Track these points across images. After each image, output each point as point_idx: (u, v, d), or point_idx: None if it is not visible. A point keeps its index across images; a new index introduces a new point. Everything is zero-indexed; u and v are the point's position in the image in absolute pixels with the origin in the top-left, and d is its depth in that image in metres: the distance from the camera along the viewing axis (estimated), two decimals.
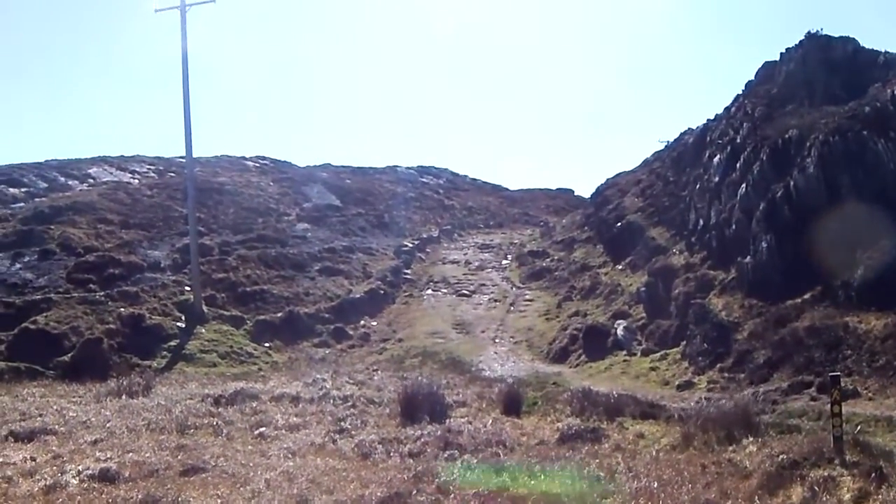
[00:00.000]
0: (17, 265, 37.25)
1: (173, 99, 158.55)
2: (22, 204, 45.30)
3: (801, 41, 40.01)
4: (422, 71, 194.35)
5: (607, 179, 53.38)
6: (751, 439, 15.35)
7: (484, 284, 44.26)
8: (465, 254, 51.62)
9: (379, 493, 13.22)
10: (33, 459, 16.53)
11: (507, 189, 77.66)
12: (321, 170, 67.12)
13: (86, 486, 14.32)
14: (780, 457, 13.42)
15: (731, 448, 15.21)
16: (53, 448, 17.66)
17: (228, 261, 41.36)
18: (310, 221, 50.63)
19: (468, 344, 34.28)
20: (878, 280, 25.43)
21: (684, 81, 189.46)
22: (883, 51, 38.07)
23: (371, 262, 45.94)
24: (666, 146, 49.38)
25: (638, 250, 39.25)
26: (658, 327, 31.22)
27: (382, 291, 41.96)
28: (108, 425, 19.99)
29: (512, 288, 43.40)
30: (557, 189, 77.32)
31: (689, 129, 47.07)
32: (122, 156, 60.83)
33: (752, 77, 42.98)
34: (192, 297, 36.24)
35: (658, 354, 29.56)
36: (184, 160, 44.69)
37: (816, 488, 12.10)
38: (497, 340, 34.87)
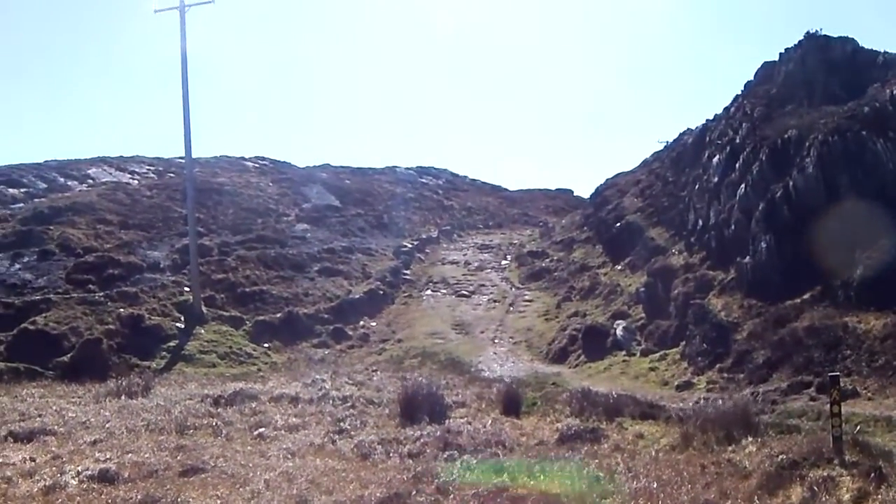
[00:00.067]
0: (17, 266, 37.24)
1: (173, 99, 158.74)
2: (21, 204, 45.28)
3: (800, 41, 40.06)
4: (421, 71, 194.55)
5: (606, 180, 53.44)
6: (750, 439, 15.34)
7: (483, 285, 44.26)
8: (464, 254, 51.62)
9: (378, 494, 13.22)
10: (32, 460, 16.52)
11: (506, 189, 77.68)
12: (320, 170, 67.10)
13: (85, 486, 14.31)
14: (780, 457, 13.41)
15: (730, 448, 15.20)
16: (53, 448, 17.65)
17: (228, 261, 41.36)
18: (309, 222, 50.62)
19: (467, 344, 34.28)
20: (877, 280, 25.46)
21: (683, 82, 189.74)
22: (882, 51, 38.19)
23: (370, 262, 45.93)
24: (665, 146, 49.43)
25: (637, 251, 39.26)
26: (657, 327, 31.23)
27: (382, 292, 41.96)
28: (107, 426, 19.98)
29: (511, 288, 43.41)
30: (557, 189, 77.38)
31: (688, 129, 47.16)
32: (121, 156, 60.83)
33: (752, 77, 43.04)
34: (191, 297, 36.23)
35: (657, 355, 29.58)
36: (183, 161, 44.69)
37: (816, 488, 12.10)
38: (496, 341, 34.87)
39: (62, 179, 51.40)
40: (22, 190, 47.90)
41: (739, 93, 42.66)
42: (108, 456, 16.54)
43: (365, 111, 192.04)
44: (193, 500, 13.29)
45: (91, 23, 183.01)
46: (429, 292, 43.21)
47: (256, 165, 64.41)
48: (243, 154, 67.64)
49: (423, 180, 71.80)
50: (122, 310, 33.90)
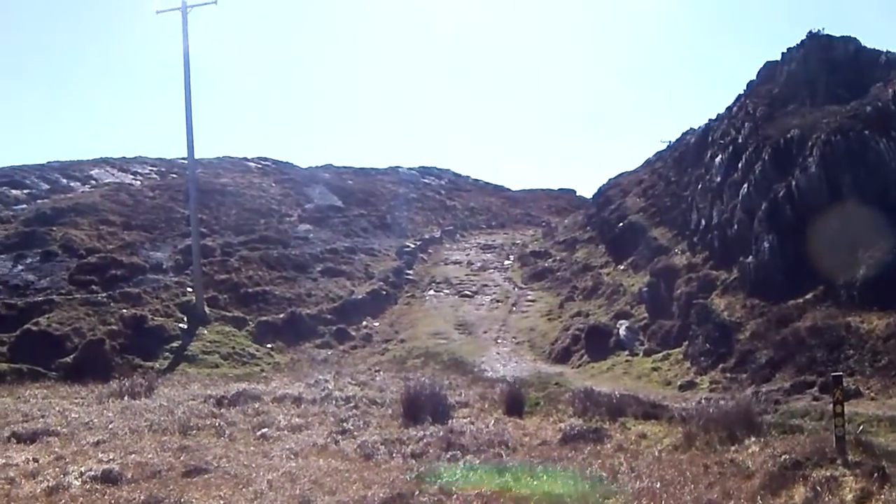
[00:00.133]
0: (20, 267, 37.29)
1: (175, 100, 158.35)
2: (24, 205, 45.33)
3: (802, 41, 40.01)
4: (423, 72, 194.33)
5: (609, 180, 53.36)
6: (753, 439, 15.35)
7: (486, 285, 44.25)
8: (467, 254, 51.58)
9: (381, 494, 13.24)
10: (36, 461, 16.55)
11: (509, 189, 77.55)
12: (323, 171, 67.09)
13: (88, 487, 14.34)
14: (783, 457, 13.43)
15: (733, 448, 15.21)
16: (56, 449, 17.70)
17: (230, 262, 41.38)
18: (312, 222, 50.63)
19: (470, 344, 34.28)
20: (879, 279, 25.44)
21: (686, 81, 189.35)
22: (884, 50, 38.14)
23: (373, 262, 45.92)
24: (668, 146, 49.31)
25: (640, 250, 39.24)
26: (660, 327, 31.22)
27: (384, 292, 41.95)
28: (110, 426, 20.02)
29: (514, 288, 43.39)
30: (559, 189, 77.21)
31: (690, 129, 47.04)
32: (123, 157, 60.83)
33: (754, 77, 42.99)
34: (194, 298, 36.25)
35: (660, 355, 29.56)
36: (186, 161, 44.69)
37: (819, 488, 12.11)
38: (499, 341, 34.87)
39: (65, 180, 51.44)
40: (24, 191, 47.94)
41: (742, 92, 42.61)
42: (111, 457, 16.57)
43: (367, 111, 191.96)
44: (196, 501, 13.32)
45: (93, 23, 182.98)
46: (431, 292, 43.21)
47: (259, 166, 64.42)
48: (246, 155, 67.66)
49: (426, 180, 71.75)
50: (124, 310, 33.93)
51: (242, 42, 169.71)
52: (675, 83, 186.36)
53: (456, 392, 24.15)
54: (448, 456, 16.54)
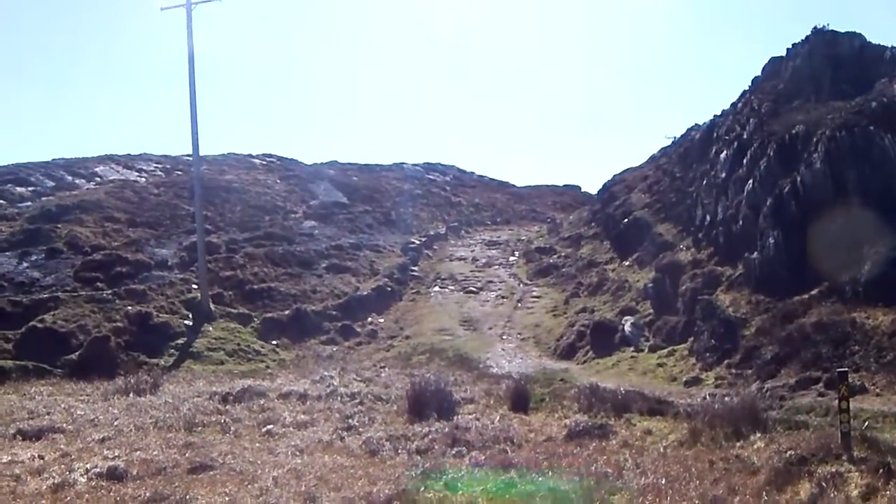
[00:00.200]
0: (25, 264, 37.35)
1: (180, 97, 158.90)
2: (29, 203, 45.40)
3: (807, 37, 39.88)
4: (427, 68, 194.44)
5: (614, 176, 53.22)
6: (758, 435, 15.34)
7: (491, 281, 44.23)
8: (472, 250, 51.57)
9: (387, 491, 13.25)
10: (41, 458, 16.61)
11: (513, 186, 77.45)
12: (328, 167, 67.10)
13: (94, 484, 14.38)
14: (788, 453, 13.43)
15: (738, 444, 15.20)
16: (61, 446, 17.75)
17: (235, 258, 41.43)
18: (317, 219, 50.66)
19: (475, 341, 34.27)
20: (884, 276, 25.37)
21: (690, 78, 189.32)
22: (889, 46, 37.95)
23: (378, 259, 45.95)
24: (672, 142, 49.21)
25: (645, 246, 39.17)
26: (665, 323, 31.18)
27: (390, 288, 41.96)
28: (115, 423, 20.08)
29: (519, 284, 43.37)
30: (564, 185, 77.08)
31: (695, 125, 46.92)
32: (128, 154, 60.96)
33: (759, 73, 42.90)
34: (199, 294, 36.30)
35: (665, 351, 29.52)
36: (190, 158, 44.69)
37: (824, 484, 12.10)
38: (504, 337, 34.86)
39: (70, 178, 51.51)
40: (29, 188, 48.03)
41: (746, 88, 42.52)
42: (116, 453, 16.62)
43: (371, 109, 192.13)
44: (202, 498, 13.34)
45: (97, 21, 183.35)
46: (437, 289, 43.21)
47: (264, 163, 64.46)
48: (251, 151, 67.75)
49: (431, 177, 71.73)
50: (130, 307, 33.98)
51: (247, 39, 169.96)
52: (680, 80, 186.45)
53: (461, 388, 24.16)
54: (453, 452, 16.57)
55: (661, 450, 15.98)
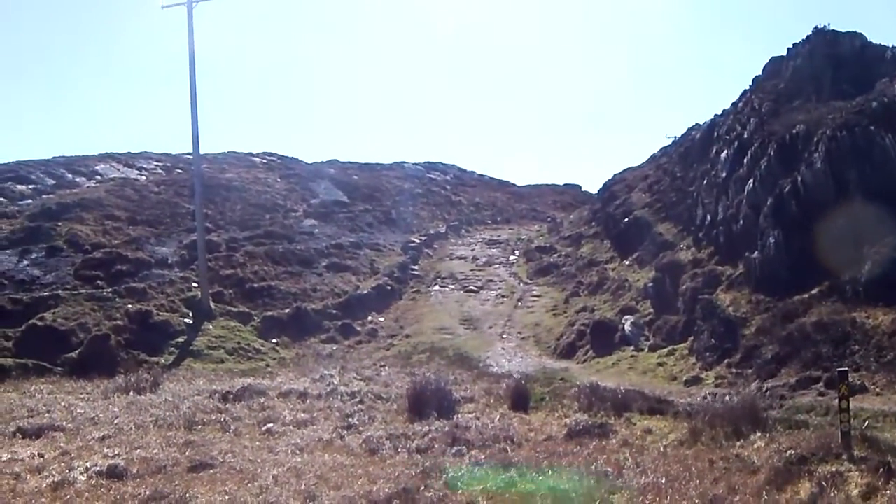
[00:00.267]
0: (25, 262, 37.36)
1: (180, 95, 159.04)
2: (29, 201, 45.40)
3: (808, 36, 39.87)
4: (428, 68, 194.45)
5: (614, 175, 53.19)
6: (758, 435, 15.34)
7: (491, 280, 44.22)
8: (472, 249, 51.56)
9: (387, 489, 13.26)
10: (41, 456, 16.62)
11: (514, 185, 77.36)
12: (328, 166, 67.05)
13: (93, 482, 14.39)
14: (788, 452, 13.43)
15: (738, 443, 15.20)
16: (61, 444, 17.75)
17: (236, 257, 41.43)
18: (317, 217, 50.65)
19: (476, 340, 34.27)
20: (885, 275, 25.36)
21: (690, 77, 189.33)
22: (890, 46, 37.95)
23: (378, 258, 45.94)
24: (673, 142, 49.20)
25: (645, 246, 39.16)
26: (665, 323, 31.17)
27: (390, 287, 41.95)
28: (115, 422, 20.08)
29: (519, 283, 43.36)
30: (565, 185, 77.02)
31: (696, 124, 46.90)
32: (129, 152, 60.94)
33: (759, 72, 42.89)
34: (199, 293, 36.31)
35: (665, 350, 29.51)
36: (191, 156, 44.69)
37: (824, 483, 12.11)
38: (504, 336, 34.86)
39: (70, 176, 51.51)
40: (30, 186, 48.03)
41: (747, 88, 42.49)
42: (116, 452, 16.64)
43: (372, 107, 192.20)
44: (202, 496, 13.34)
45: (98, 19, 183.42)
46: (437, 287, 43.21)
47: (264, 161, 64.45)
48: (251, 150, 67.71)
49: (431, 175, 71.70)
50: (130, 306, 34.00)
51: (247, 38, 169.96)
52: (680, 79, 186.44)
53: (461, 387, 24.15)
54: (453, 451, 16.58)
55: (661, 449, 15.99)
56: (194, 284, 37.14)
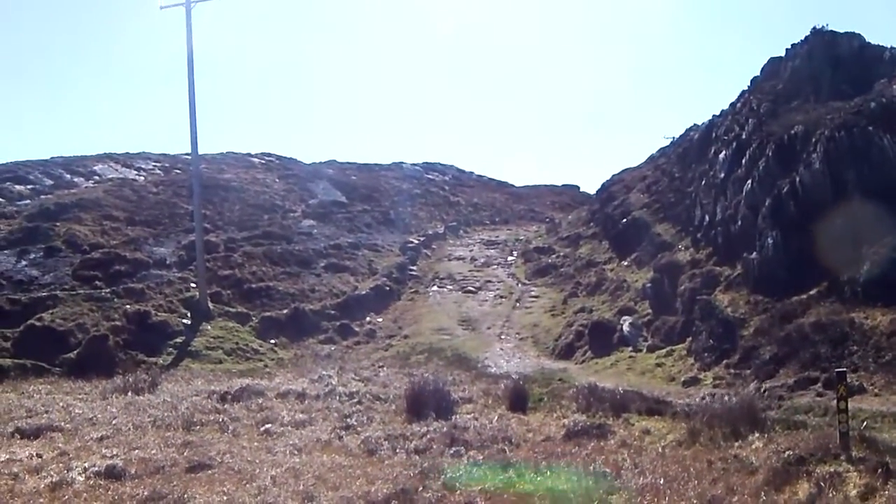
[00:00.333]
0: (23, 262, 37.33)
1: (179, 96, 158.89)
2: (27, 201, 45.36)
3: (806, 37, 39.88)
4: (427, 68, 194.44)
5: (613, 176, 53.22)
6: (757, 435, 15.34)
7: (490, 281, 44.21)
8: (470, 250, 51.55)
9: (385, 490, 13.26)
10: (39, 456, 16.60)
11: (512, 185, 77.39)
12: (326, 166, 67.06)
13: (92, 482, 14.38)
14: (787, 453, 13.43)
15: (737, 444, 15.21)
16: (59, 445, 17.74)
17: (234, 257, 41.41)
18: (315, 218, 50.64)
19: (474, 340, 34.26)
20: (883, 276, 25.37)
21: (689, 77, 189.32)
22: (889, 46, 37.95)
23: (377, 258, 45.94)
24: (671, 142, 49.21)
25: (643, 246, 39.16)
26: (664, 323, 31.17)
27: (388, 288, 41.94)
28: (114, 422, 20.07)
29: (518, 284, 43.36)
30: (563, 185, 77.00)
31: (694, 125, 46.93)
32: (127, 153, 60.90)
33: (758, 73, 42.89)
34: (197, 293, 36.29)
35: (664, 350, 29.51)
36: (189, 157, 44.64)
37: (822, 484, 12.11)
38: (503, 337, 34.85)
39: (68, 176, 51.47)
40: (28, 186, 47.99)
41: (745, 88, 42.48)
42: (114, 452, 16.62)
43: (370, 108, 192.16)
44: (200, 497, 13.33)
45: (96, 19, 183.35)
46: (435, 288, 43.19)
47: (262, 162, 64.44)
48: (249, 150, 67.72)
49: (430, 176, 71.70)
50: (128, 306, 33.99)
51: (246, 38, 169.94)
52: (679, 80, 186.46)
53: (459, 388, 24.15)
54: (451, 452, 16.57)
55: (660, 449, 15.98)
56: (192, 285, 37.12)
